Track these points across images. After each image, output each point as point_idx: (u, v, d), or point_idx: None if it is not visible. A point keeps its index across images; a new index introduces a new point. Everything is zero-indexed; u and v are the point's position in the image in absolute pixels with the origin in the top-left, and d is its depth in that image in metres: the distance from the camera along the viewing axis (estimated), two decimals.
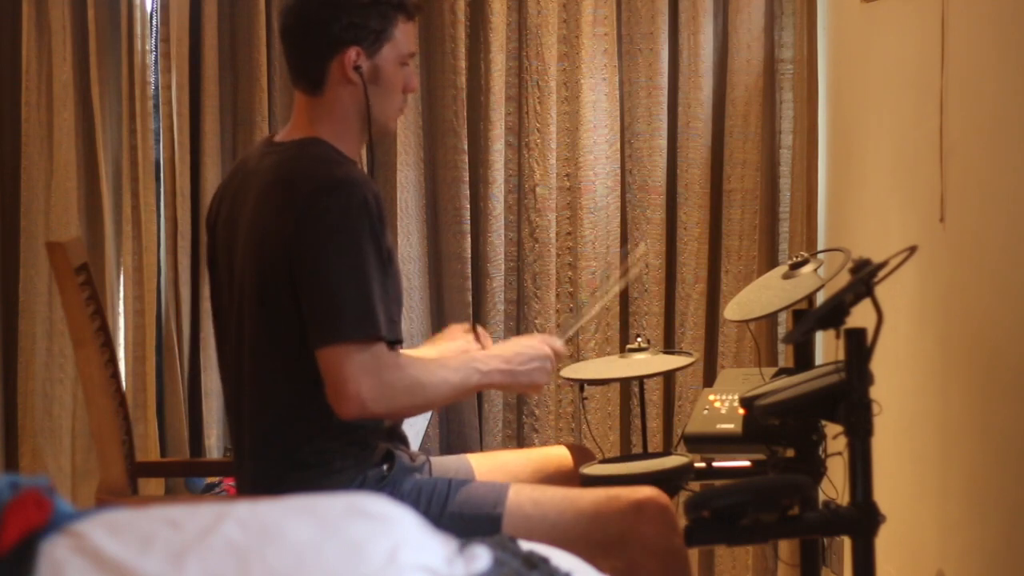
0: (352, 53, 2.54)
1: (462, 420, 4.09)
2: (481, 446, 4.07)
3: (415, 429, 3.74)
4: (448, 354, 2.70)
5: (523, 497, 2.53)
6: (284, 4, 2.64)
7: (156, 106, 4.00)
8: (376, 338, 2.40)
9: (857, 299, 2.41)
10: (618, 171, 4.14)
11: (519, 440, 4.13)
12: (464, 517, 2.49)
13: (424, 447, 3.84)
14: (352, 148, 2.61)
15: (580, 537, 2.46)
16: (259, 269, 2.51)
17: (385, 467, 2.57)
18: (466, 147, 4.08)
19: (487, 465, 2.83)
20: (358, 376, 2.38)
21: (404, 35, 2.59)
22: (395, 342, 2.48)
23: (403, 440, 2.72)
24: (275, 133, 2.71)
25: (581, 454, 2.92)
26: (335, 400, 2.41)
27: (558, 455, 2.89)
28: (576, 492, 2.59)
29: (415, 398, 2.47)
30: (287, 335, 2.50)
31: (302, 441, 2.52)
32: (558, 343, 2.68)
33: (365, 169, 2.70)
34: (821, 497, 2.61)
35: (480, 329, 2.84)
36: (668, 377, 4.12)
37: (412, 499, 2.50)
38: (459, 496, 2.54)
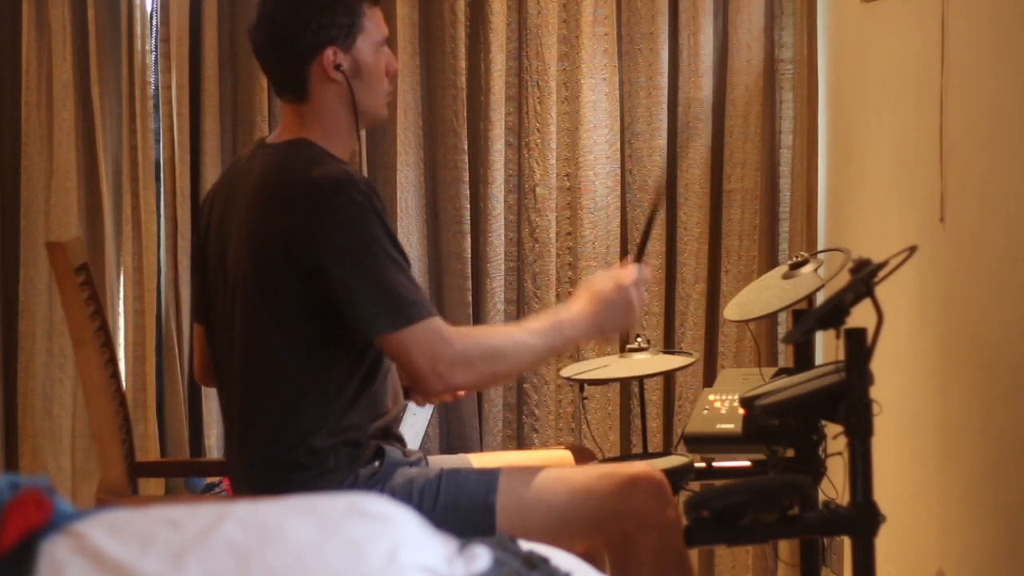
0: (329, 53, 2.54)
1: (462, 420, 4.09)
2: (481, 446, 4.06)
3: (415, 429, 3.73)
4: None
5: (515, 480, 2.53)
6: (250, 22, 2.62)
7: (156, 106, 3.99)
8: (418, 317, 2.42)
9: (857, 299, 2.41)
10: (618, 171, 4.14)
11: (519, 440, 4.13)
12: (458, 507, 2.49)
13: (424, 447, 3.84)
14: (343, 147, 2.61)
15: (575, 515, 2.48)
16: (255, 271, 2.50)
17: (376, 463, 2.56)
18: (466, 147, 4.07)
19: (488, 465, 2.83)
20: (426, 354, 2.41)
21: (373, 22, 2.59)
22: None
23: (399, 440, 2.71)
24: (266, 135, 2.71)
25: (581, 454, 2.92)
26: (416, 384, 2.45)
27: (560, 457, 2.88)
28: (569, 471, 2.60)
29: (495, 365, 2.48)
30: (282, 337, 2.50)
31: (296, 442, 2.51)
32: (633, 273, 2.59)
33: (364, 169, 2.70)
34: (821, 497, 2.61)
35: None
36: (668, 377, 4.12)
37: (404, 492, 2.49)
38: (451, 486, 2.53)
